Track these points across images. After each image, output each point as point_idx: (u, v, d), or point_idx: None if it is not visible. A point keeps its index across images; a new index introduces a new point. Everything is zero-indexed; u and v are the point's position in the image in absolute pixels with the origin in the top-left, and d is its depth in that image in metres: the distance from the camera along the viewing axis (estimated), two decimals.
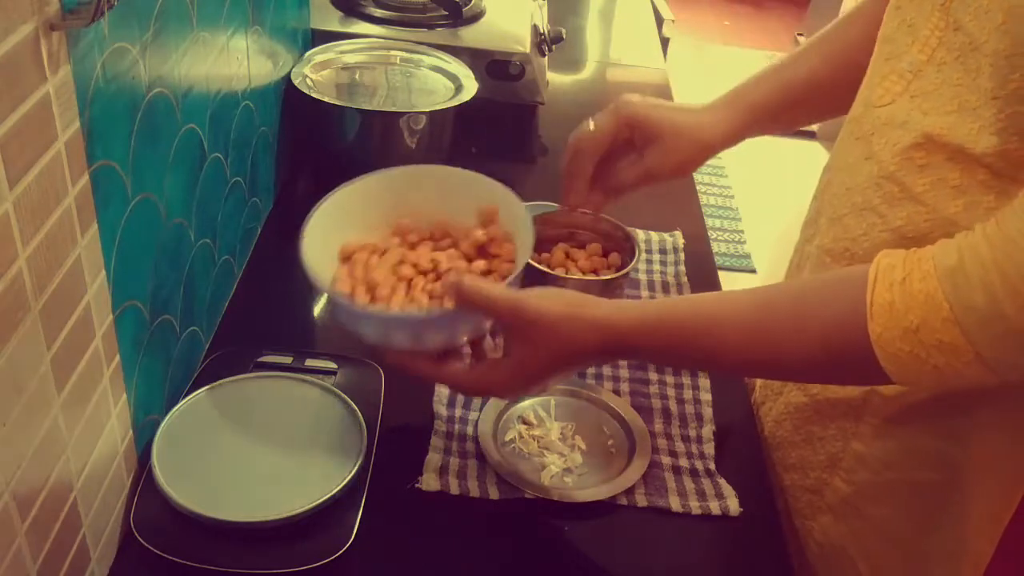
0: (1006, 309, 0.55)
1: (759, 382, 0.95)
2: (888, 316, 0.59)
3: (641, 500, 0.80)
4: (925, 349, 0.58)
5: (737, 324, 0.67)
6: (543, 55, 1.37)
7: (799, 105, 0.90)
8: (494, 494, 0.79)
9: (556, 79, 1.51)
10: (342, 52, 1.20)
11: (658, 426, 0.87)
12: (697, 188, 1.30)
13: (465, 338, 0.74)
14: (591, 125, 0.88)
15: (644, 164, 0.88)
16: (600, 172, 0.89)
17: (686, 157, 0.88)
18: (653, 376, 0.93)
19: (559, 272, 0.91)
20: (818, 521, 0.82)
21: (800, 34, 4.32)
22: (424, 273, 0.77)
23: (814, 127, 3.42)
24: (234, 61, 0.89)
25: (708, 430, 0.88)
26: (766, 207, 3.27)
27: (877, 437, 0.76)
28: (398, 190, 0.83)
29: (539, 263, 0.91)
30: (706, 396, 0.91)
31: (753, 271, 2.91)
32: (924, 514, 0.77)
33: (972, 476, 0.74)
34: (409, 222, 0.82)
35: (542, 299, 0.69)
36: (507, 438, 0.84)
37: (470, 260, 0.79)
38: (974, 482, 0.74)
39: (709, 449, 0.86)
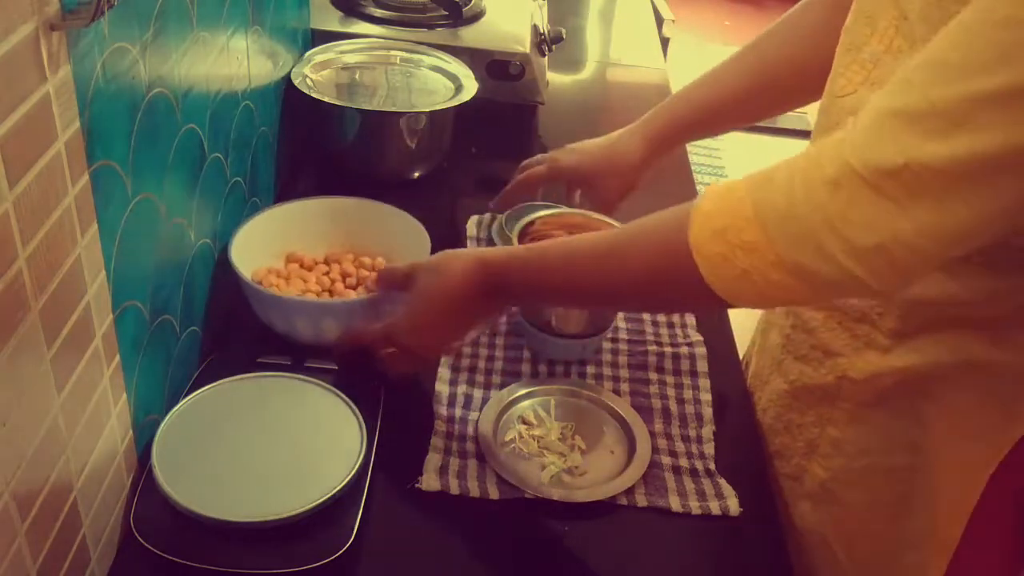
0: (799, 209, 0.57)
1: (750, 372, 0.96)
2: (703, 219, 0.62)
3: (641, 500, 0.80)
4: (732, 250, 0.60)
5: (588, 250, 0.72)
6: (543, 55, 1.37)
7: (713, 122, 1.01)
8: (494, 494, 0.79)
9: (556, 79, 1.51)
10: (342, 52, 1.20)
11: (658, 426, 0.87)
12: (697, 188, 1.30)
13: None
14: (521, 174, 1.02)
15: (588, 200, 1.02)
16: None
17: (615, 190, 1.01)
18: (653, 376, 0.93)
19: None
20: (798, 507, 0.84)
21: None
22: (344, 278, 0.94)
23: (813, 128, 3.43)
24: (234, 61, 0.89)
25: (708, 430, 0.88)
26: None
27: (851, 422, 0.78)
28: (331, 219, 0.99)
29: None
30: (706, 396, 0.91)
31: None
32: (896, 498, 0.78)
33: (938, 460, 0.76)
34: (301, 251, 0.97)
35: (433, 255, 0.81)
36: (507, 438, 0.84)
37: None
38: (940, 466, 0.76)
39: (709, 449, 0.86)
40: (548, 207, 0.99)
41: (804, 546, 0.84)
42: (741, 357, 1.00)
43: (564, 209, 0.99)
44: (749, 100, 0.96)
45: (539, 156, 1.05)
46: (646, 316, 1.01)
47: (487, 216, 1.14)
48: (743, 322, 1.03)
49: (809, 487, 0.83)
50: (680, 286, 0.66)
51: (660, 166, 1.03)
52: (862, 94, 0.71)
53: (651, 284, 0.69)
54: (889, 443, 0.77)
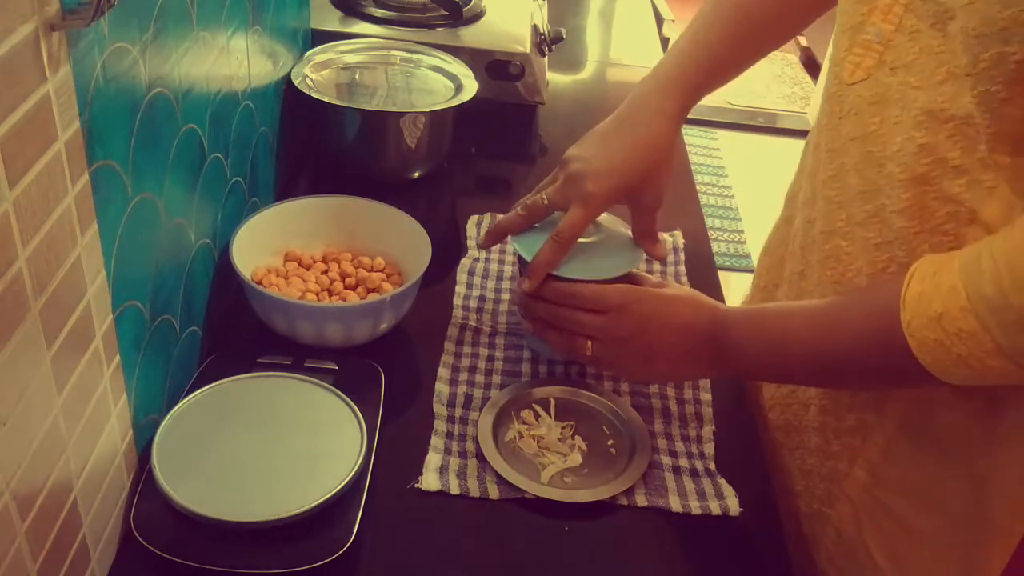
0: (1012, 299, 0.57)
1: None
2: (917, 304, 0.62)
3: (641, 500, 0.80)
4: (949, 337, 0.60)
5: (800, 315, 0.73)
6: (543, 55, 1.37)
7: (718, 73, 0.90)
8: (494, 494, 0.79)
9: (556, 79, 1.51)
10: (342, 52, 1.20)
11: (658, 426, 0.87)
12: (697, 188, 1.31)
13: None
14: (544, 199, 0.87)
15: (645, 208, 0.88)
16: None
17: (661, 190, 0.88)
18: None
19: None
20: (835, 509, 0.81)
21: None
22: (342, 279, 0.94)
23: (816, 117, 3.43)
24: (234, 61, 0.89)
25: (708, 430, 0.88)
26: (766, 207, 3.27)
27: (901, 430, 0.75)
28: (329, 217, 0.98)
29: None
30: (706, 396, 0.91)
31: (753, 271, 2.91)
32: (948, 512, 0.75)
33: (999, 469, 0.73)
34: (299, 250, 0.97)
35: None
36: (507, 438, 0.84)
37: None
38: (1001, 474, 0.73)
39: (709, 449, 0.86)
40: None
41: (841, 548, 0.81)
42: None
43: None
44: (739, 45, 0.90)
45: (553, 189, 0.87)
46: None
47: (487, 216, 1.14)
48: None
49: (849, 490, 0.79)
50: (892, 362, 0.66)
51: None
52: (880, 79, 0.68)
53: (864, 358, 0.69)
54: (948, 454, 0.73)
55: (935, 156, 0.65)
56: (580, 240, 0.86)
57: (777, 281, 0.93)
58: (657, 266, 1.09)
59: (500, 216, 1.13)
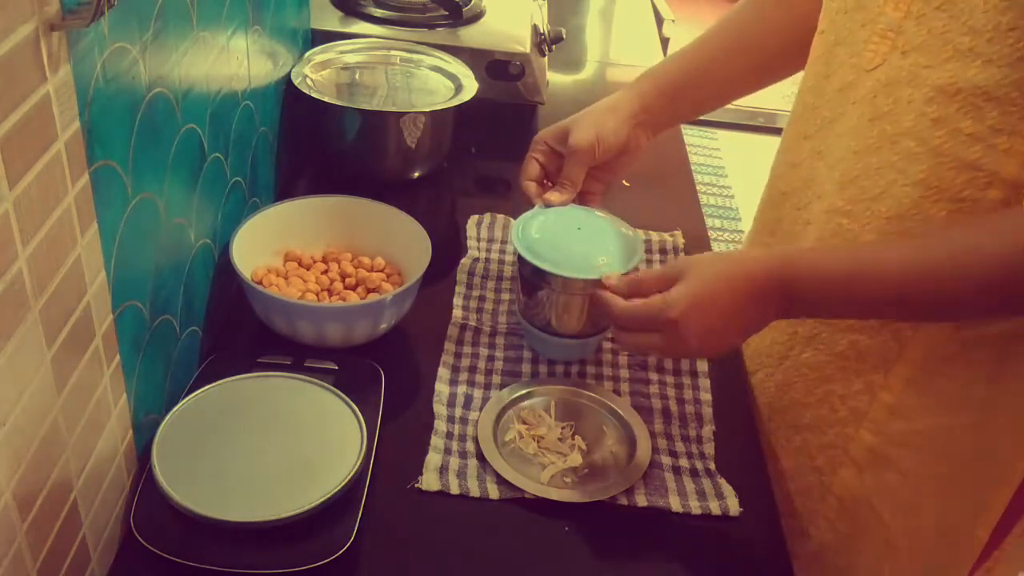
0: None
1: (747, 353, 0.96)
2: None
3: (641, 500, 0.80)
4: None
5: (897, 265, 0.71)
6: (543, 55, 1.37)
7: (700, 82, 0.97)
8: (494, 494, 0.79)
9: (556, 79, 1.51)
10: (342, 52, 1.20)
11: (658, 426, 0.87)
12: (697, 188, 1.30)
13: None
14: (579, 141, 0.93)
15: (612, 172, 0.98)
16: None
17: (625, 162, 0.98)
18: (653, 376, 0.93)
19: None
20: (839, 475, 0.83)
21: None
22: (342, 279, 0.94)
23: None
24: (234, 61, 0.89)
25: (708, 430, 0.88)
26: None
27: (909, 386, 0.78)
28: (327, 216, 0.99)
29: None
30: (706, 396, 0.91)
31: None
32: (956, 457, 0.78)
33: (1003, 409, 0.76)
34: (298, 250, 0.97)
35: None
36: (507, 438, 0.84)
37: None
38: (1005, 413, 0.76)
39: (709, 449, 0.86)
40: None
41: (845, 514, 0.84)
42: None
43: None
44: (726, 61, 0.97)
45: (544, 145, 0.98)
46: None
47: (487, 216, 1.14)
48: None
49: (855, 453, 0.82)
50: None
51: (660, 167, 1.03)
52: (894, 62, 0.73)
53: (987, 302, 0.70)
54: (956, 403, 0.76)
55: (949, 127, 0.69)
56: (580, 239, 0.89)
57: None
58: (658, 266, 1.09)
59: (501, 216, 1.14)
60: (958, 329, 0.74)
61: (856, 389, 0.81)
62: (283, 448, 0.75)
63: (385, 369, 0.86)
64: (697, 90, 0.99)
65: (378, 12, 1.31)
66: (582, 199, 0.98)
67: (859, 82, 0.77)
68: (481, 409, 0.86)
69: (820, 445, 0.85)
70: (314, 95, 1.10)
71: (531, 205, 0.96)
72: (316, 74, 1.15)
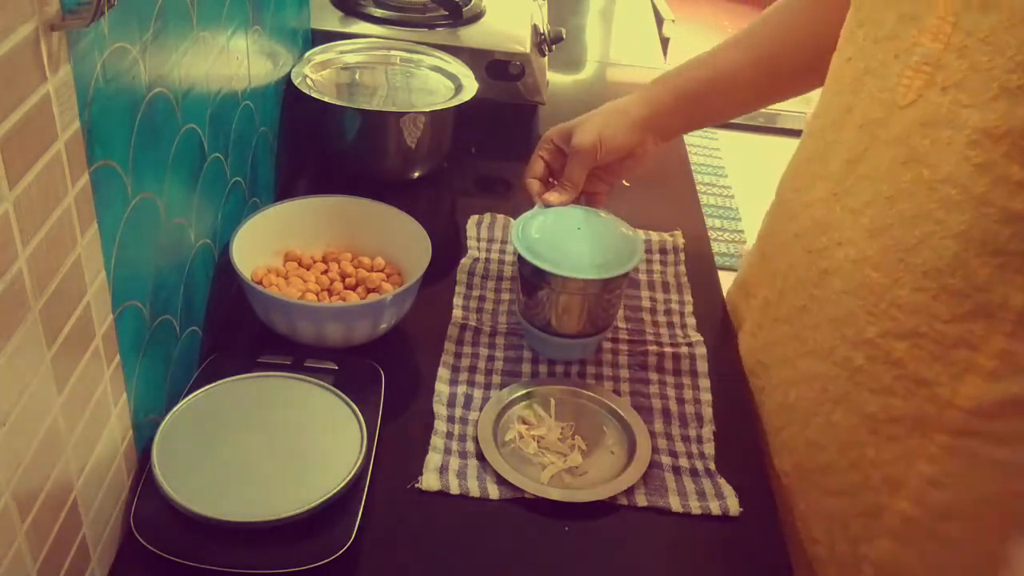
0: None
1: (770, 407, 0.89)
2: None
3: (641, 500, 0.80)
4: None
5: None
6: (543, 55, 1.37)
7: (710, 93, 0.96)
8: (494, 494, 0.79)
9: (556, 79, 1.51)
10: (342, 52, 1.20)
11: (658, 426, 0.87)
12: (697, 188, 1.30)
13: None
14: (582, 142, 0.94)
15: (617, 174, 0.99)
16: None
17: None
18: (653, 376, 0.93)
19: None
20: (875, 544, 0.76)
21: None
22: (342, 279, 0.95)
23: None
24: (234, 61, 0.89)
25: (708, 430, 0.88)
26: (766, 207, 3.27)
27: (950, 454, 0.71)
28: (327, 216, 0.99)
29: None
30: (706, 396, 0.91)
31: None
32: (1007, 518, 0.72)
33: None
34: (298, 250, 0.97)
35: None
36: (507, 438, 0.84)
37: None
38: None
39: (709, 449, 0.86)
40: None
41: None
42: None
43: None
44: (744, 73, 0.94)
45: (551, 143, 0.98)
46: (646, 316, 1.01)
47: (487, 216, 1.14)
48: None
49: (891, 523, 0.75)
50: None
51: (660, 167, 1.03)
52: (931, 99, 0.66)
53: None
54: (1006, 469, 0.70)
55: (994, 174, 0.63)
56: (580, 239, 0.89)
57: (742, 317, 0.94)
58: (657, 266, 1.09)
59: (501, 216, 1.14)
60: (997, 388, 0.68)
61: (891, 456, 0.74)
62: (283, 448, 0.75)
63: (385, 369, 0.86)
64: (713, 98, 0.96)
65: (378, 12, 1.31)
66: (588, 200, 0.98)
67: (890, 119, 0.70)
68: (481, 409, 0.86)
69: (854, 512, 0.77)
70: (314, 95, 1.10)
71: (532, 205, 0.96)
72: (316, 74, 1.15)
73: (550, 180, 0.98)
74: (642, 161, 0.98)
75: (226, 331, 0.93)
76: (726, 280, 1.08)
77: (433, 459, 0.81)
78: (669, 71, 0.98)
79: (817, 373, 0.79)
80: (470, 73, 1.20)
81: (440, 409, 0.86)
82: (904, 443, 0.73)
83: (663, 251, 1.11)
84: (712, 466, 0.84)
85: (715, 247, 2.95)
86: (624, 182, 1.20)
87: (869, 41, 0.74)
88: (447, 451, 0.82)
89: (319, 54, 1.18)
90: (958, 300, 0.67)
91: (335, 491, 0.70)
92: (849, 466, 0.77)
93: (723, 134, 3.67)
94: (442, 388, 0.89)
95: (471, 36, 1.29)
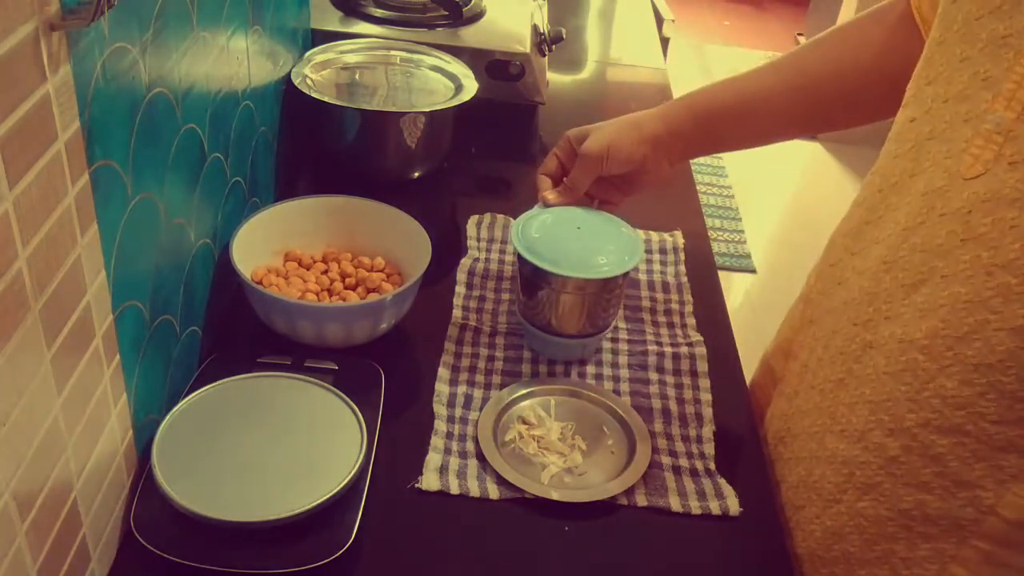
0: None
1: (791, 482, 0.83)
2: None
3: (641, 500, 0.80)
4: None
5: None
6: (543, 55, 1.37)
7: (741, 114, 0.92)
8: (494, 494, 0.79)
9: (556, 79, 1.51)
10: (342, 52, 1.20)
11: (658, 426, 0.87)
12: (697, 188, 1.30)
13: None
14: (589, 148, 0.93)
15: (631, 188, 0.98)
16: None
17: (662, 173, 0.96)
18: (653, 376, 0.93)
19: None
20: None
21: (800, 34, 4.32)
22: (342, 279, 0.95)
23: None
24: (234, 61, 0.89)
25: (708, 430, 0.88)
26: (766, 207, 3.28)
27: (988, 562, 0.66)
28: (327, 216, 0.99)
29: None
30: (706, 396, 0.91)
31: (753, 271, 2.91)
32: None
33: None
34: (299, 250, 0.97)
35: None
36: (507, 438, 0.84)
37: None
38: None
39: (709, 449, 0.86)
40: None
41: None
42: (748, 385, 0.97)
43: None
44: (781, 98, 0.90)
45: (567, 143, 0.96)
46: (646, 316, 1.01)
47: (487, 216, 1.14)
48: (742, 322, 1.03)
49: None
50: None
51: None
52: (998, 174, 0.60)
53: None
54: None
55: None
56: (580, 239, 0.89)
57: (779, 374, 0.89)
58: (657, 266, 1.09)
59: (501, 216, 1.14)
60: None
61: (922, 555, 0.68)
62: (283, 448, 0.75)
63: (385, 369, 0.86)
64: (738, 123, 0.92)
65: (378, 12, 1.31)
66: (601, 206, 0.97)
67: (952, 190, 0.63)
68: (481, 409, 0.86)
69: None
70: (314, 95, 1.10)
71: (531, 205, 0.96)
72: (316, 74, 1.15)
73: (563, 180, 0.97)
74: (656, 178, 0.95)
75: (226, 331, 0.93)
76: (726, 280, 1.08)
77: (433, 459, 0.81)
78: (697, 89, 0.94)
79: (846, 457, 0.73)
80: (470, 73, 1.20)
81: (440, 409, 0.86)
82: (937, 544, 0.68)
83: (663, 251, 1.11)
84: (712, 466, 0.84)
85: (715, 247, 2.95)
86: None
87: (938, 102, 0.67)
88: (447, 451, 0.82)
89: (319, 54, 1.18)
90: (1009, 402, 0.60)
91: (335, 491, 0.70)
92: (874, 560, 0.72)
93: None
94: (442, 388, 0.89)
95: (471, 36, 1.29)
